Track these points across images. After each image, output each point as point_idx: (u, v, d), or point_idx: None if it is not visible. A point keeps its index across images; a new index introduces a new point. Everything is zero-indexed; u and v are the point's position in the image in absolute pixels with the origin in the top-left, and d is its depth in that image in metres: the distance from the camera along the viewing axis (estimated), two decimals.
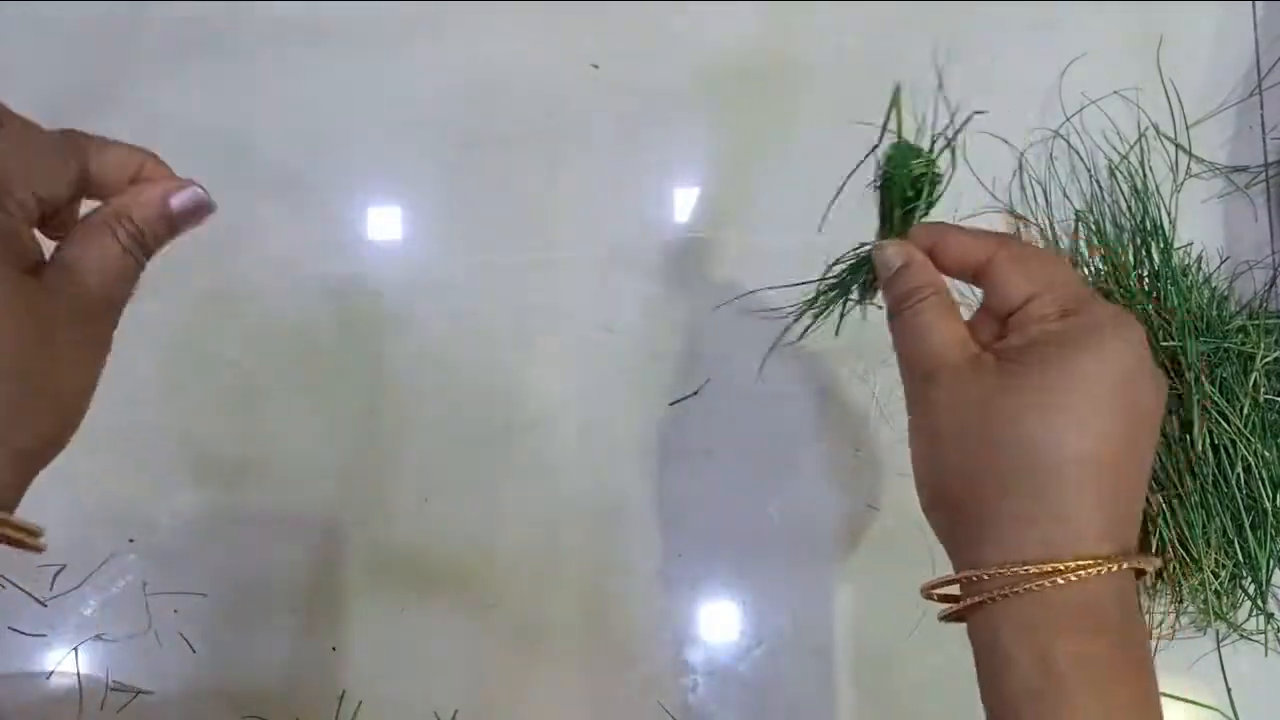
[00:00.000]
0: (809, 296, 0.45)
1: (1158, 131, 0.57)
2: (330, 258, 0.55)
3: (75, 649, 0.51)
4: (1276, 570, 0.51)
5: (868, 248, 0.39)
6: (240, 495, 0.52)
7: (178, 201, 0.34)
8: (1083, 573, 0.29)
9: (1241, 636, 0.52)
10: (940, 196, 0.37)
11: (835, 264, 0.42)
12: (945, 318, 0.35)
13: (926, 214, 0.37)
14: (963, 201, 0.56)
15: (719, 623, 0.52)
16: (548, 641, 0.52)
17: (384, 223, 0.55)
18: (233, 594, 0.52)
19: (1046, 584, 0.29)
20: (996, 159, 0.57)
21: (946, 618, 0.33)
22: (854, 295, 0.42)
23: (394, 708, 0.51)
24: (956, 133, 0.38)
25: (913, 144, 0.38)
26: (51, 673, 0.50)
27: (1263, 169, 0.57)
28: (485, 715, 0.51)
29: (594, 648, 0.52)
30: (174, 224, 0.35)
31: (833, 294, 0.43)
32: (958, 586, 0.32)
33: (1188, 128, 0.57)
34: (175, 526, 0.52)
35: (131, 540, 0.52)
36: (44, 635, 0.51)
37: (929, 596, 0.34)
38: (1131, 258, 0.55)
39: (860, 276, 0.41)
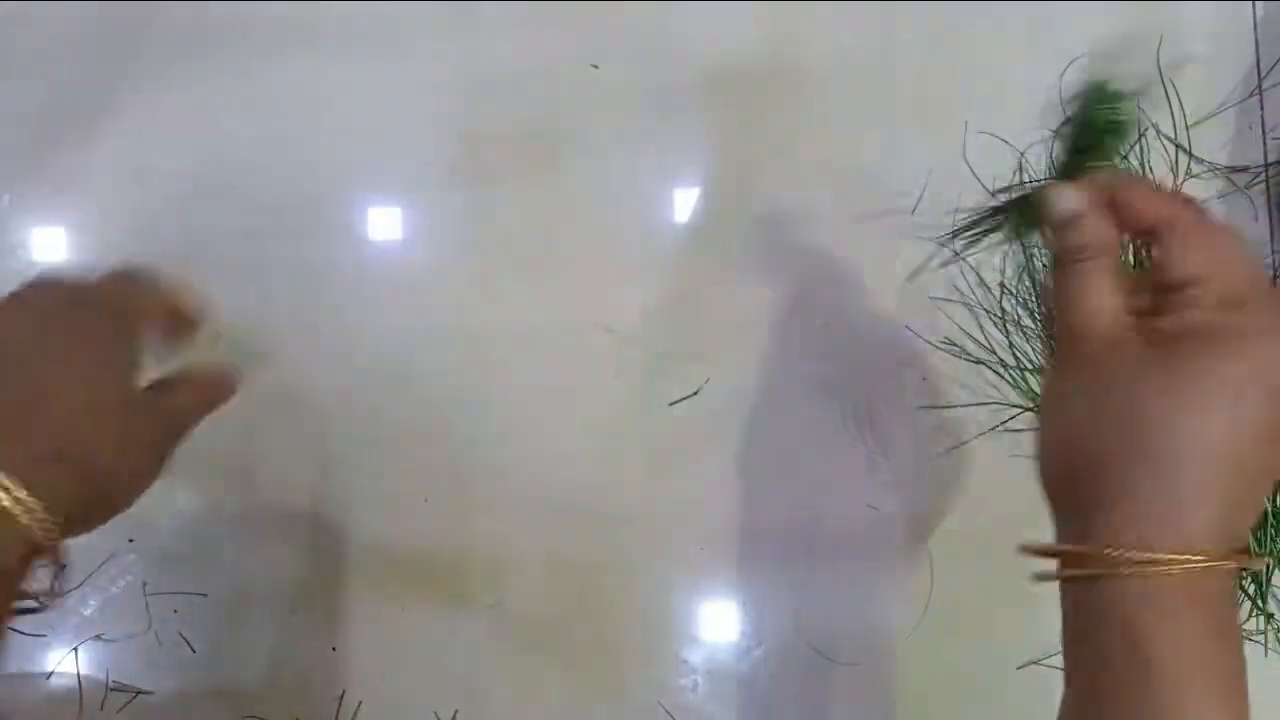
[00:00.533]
0: (958, 226, 0.43)
1: (1158, 131, 0.57)
2: (330, 258, 0.55)
3: (75, 649, 0.51)
4: (1276, 570, 0.51)
5: (1035, 185, 0.38)
6: (240, 495, 0.52)
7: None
8: (1216, 566, 0.29)
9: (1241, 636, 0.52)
10: (1127, 152, 0.37)
11: (999, 191, 0.41)
12: (1109, 285, 0.34)
13: (1109, 163, 0.37)
14: (963, 202, 0.56)
15: (719, 623, 0.52)
16: (548, 641, 0.52)
17: (384, 223, 0.55)
18: (233, 594, 0.52)
19: (1175, 570, 0.29)
20: (996, 159, 0.57)
21: (1043, 578, 0.34)
22: (1004, 233, 0.41)
23: (394, 708, 0.51)
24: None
25: (1116, 86, 0.36)
26: (51, 673, 0.50)
27: (1263, 169, 0.57)
28: (485, 715, 0.51)
29: (594, 648, 0.52)
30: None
31: (985, 225, 0.41)
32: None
33: (1188, 128, 0.57)
34: (175, 526, 0.52)
35: (131, 540, 0.52)
36: (44, 635, 0.51)
37: (1026, 554, 0.34)
38: (1131, 258, 0.55)
39: (1018, 214, 0.40)
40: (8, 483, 0.33)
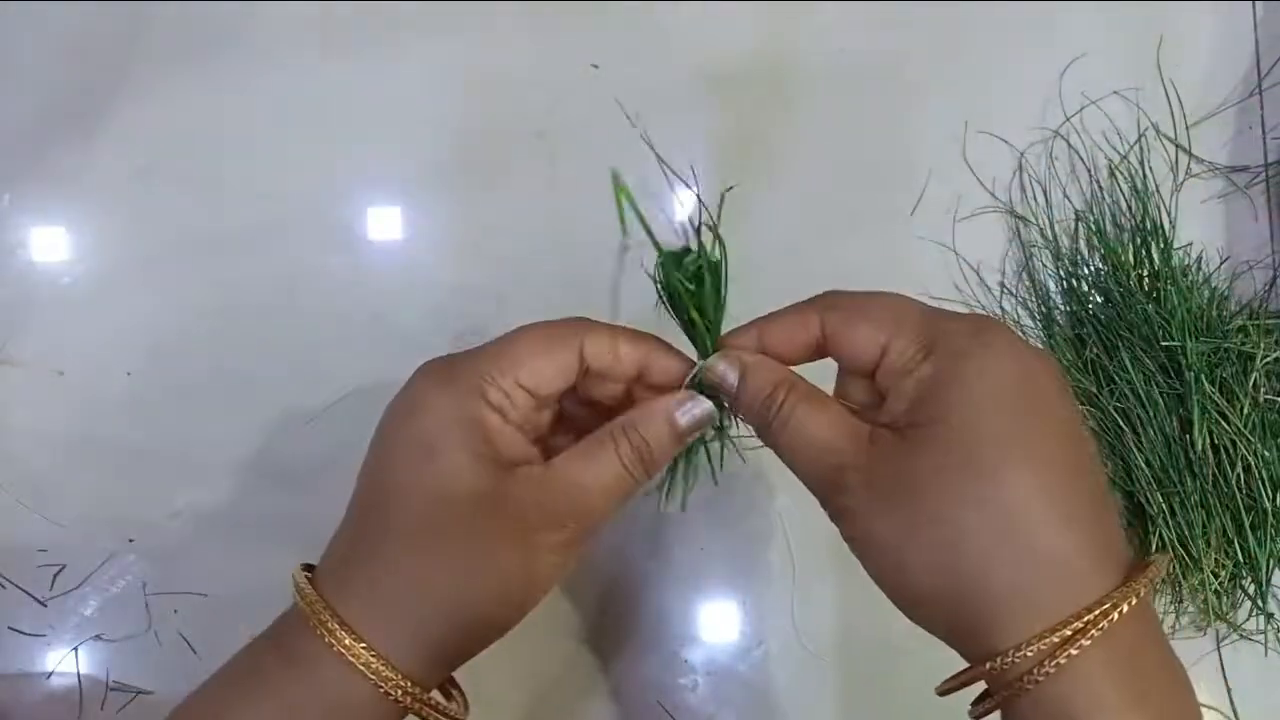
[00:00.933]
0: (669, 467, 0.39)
1: (1158, 131, 0.57)
2: (330, 258, 0.55)
3: (75, 649, 0.51)
4: (1276, 570, 0.51)
5: (694, 372, 0.35)
6: (240, 495, 0.52)
7: (685, 418, 0.33)
8: (1114, 614, 0.26)
9: (1241, 636, 0.52)
10: (727, 281, 0.35)
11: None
12: (819, 410, 0.31)
13: (724, 301, 0.35)
14: (963, 202, 0.56)
15: (719, 623, 0.52)
16: (547, 641, 0.52)
17: (384, 223, 0.55)
18: (233, 594, 0.52)
19: (1085, 641, 0.26)
20: (996, 159, 0.57)
21: (980, 714, 0.30)
22: (710, 434, 0.37)
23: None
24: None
25: (674, 249, 0.35)
26: (51, 673, 0.50)
27: (1263, 169, 0.57)
28: (485, 716, 0.51)
29: (594, 648, 0.52)
30: (681, 438, 0.33)
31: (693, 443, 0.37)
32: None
33: (1188, 128, 0.57)
34: (175, 526, 0.52)
35: (131, 540, 0.52)
36: (44, 635, 0.51)
37: (945, 693, 0.31)
38: (1131, 258, 0.55)
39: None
40: (369, 659, 0.28)
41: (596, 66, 0.57)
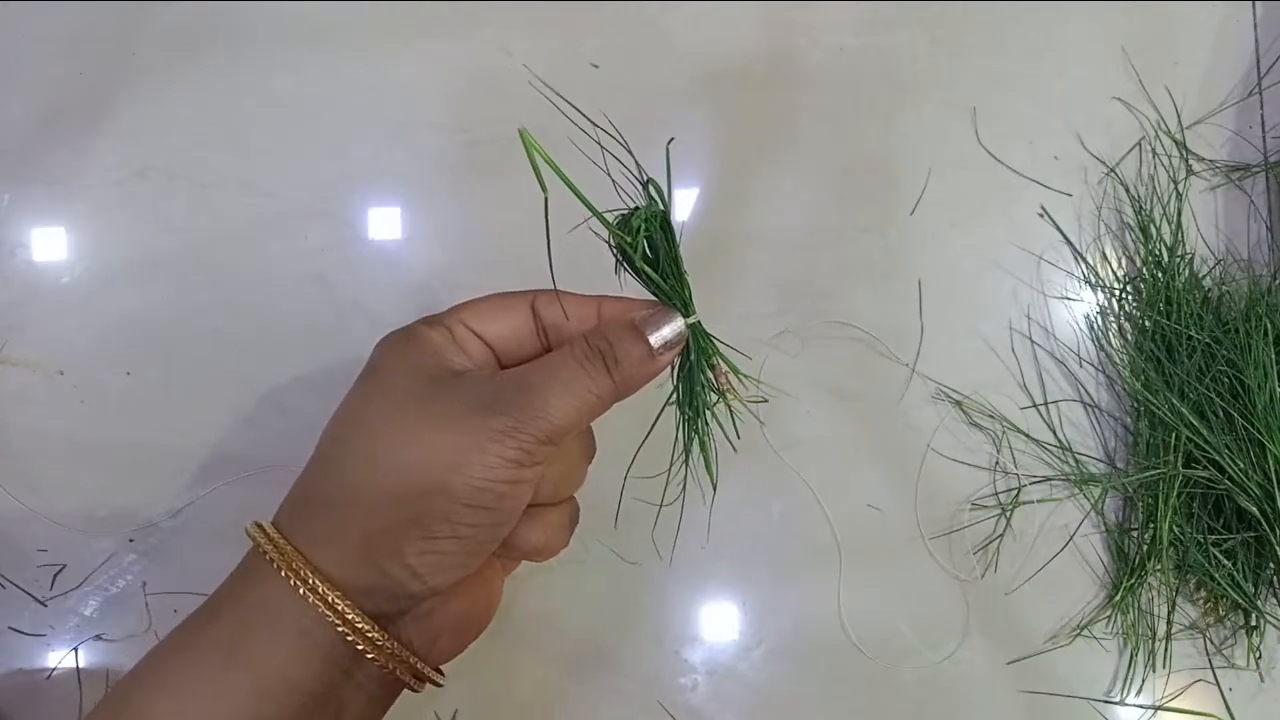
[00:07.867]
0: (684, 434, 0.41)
1: (1157, 131, 0.57)
2: (330, 257, 0.55)
3: (75, 649, 0.51)
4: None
5: (678, 326, 0.36)
6: (240, 495, 0.52)
7: (651, 326, 0.34)
8: None
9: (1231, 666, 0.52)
10: (675, 234, 0.36)
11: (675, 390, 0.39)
12: None
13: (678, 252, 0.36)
14: (963, 202, 0.56)
15: (719, 623, 0.52)
16: (548, 641, 0.52)
17: (384, 223, 0.55)
18: None
19: None
20: (996, 158, 0.57)
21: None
22: (711, 399, 0.39)
23: (394, 707, 0.51)
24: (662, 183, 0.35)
25: (622, 212, 0.35)
26: (51, 673, 0.50)
27: (1263, 169, 0.57)
28: (485, 715, 0.51)
29: (594, 648, 0.52)
30: (653, 353, 0.34)
31: (697, 396, 0.39)
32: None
33: (1187, 128, 0.57)
34: (175, 526, 0.52)
35: (131, 540, 0.52)
36: (44, 635, 0.51)
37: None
38: (1132, 257, 0.55)
39: (693, 362, 0.38)
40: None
41: (596, 66, 0.57)
